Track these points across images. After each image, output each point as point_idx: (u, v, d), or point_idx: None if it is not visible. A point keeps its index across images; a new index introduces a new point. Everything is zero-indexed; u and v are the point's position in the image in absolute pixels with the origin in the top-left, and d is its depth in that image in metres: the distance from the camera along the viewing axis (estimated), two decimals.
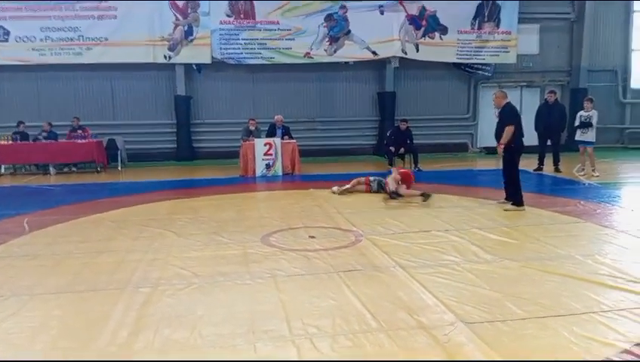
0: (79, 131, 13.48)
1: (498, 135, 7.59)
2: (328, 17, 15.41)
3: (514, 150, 7.53)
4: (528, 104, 16.66)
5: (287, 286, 4.37)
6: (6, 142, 12.64)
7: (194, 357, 3.15)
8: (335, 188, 8.96)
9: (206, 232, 6.35)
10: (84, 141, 13.05)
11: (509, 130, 7.35)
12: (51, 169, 12.94)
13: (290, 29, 15.27)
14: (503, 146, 7.46)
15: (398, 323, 3.57)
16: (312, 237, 6.03)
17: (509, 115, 7.50)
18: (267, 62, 15.36)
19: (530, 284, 4.33)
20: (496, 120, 7.91)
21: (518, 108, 16.79)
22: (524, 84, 17.36)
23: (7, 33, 14.23)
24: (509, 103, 7.69)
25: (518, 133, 7.50)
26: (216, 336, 3.42)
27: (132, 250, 5.58)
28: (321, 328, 3.50)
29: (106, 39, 14.62)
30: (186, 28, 15.00)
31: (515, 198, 7.56)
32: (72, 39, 14.49)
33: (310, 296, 4.15)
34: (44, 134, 13.31)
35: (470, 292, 4.12)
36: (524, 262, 4.89)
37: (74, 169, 13.44)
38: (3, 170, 12.90)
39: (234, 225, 6.75)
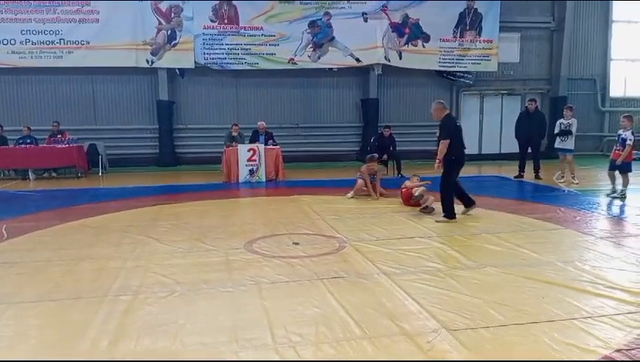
0: (59, 136, 13.30)
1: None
2: (312, 24, 15.48)
3: (454, 162, 7.18)
4: (509, 112, 16.93)
5: (271, 294, 4.34)
6: None
7: None
8: (350, 194, 9.15)
9: (189, 239, 6.30)
10: (64, 146, 12.86)
11: (442, 145, 7.02)
12: (31, 174, 12.73)
13: (274, 35, 15.31)
14: (439, 161, 7.07)
15: (382, 330, 3.58)
16: (296, 243, 6.01)
17: (443, 129, 7.18)
18: (251, 68, 15.38)
19: (512, 291, 4.37)
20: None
21: (499, 115, 17.46)
22: (505, 92, 17.62)
23: None
24: (448, 115, 7.37)
25: (456, 145, 7.12)
26: (198, 345, 3.38)
27: (113, 257, 5.51)
28: (304, 336, 3.49)
29: (88, 43, 14.51)
30: (169, 32, 14.95)
31: (447, 211, 7.20)
32: (52, 42, 14.36)
33: (294, 303, 4.13)
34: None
35: (452, 299, 4.15)
36: (505, 269, 4.94)
37: (54, 174, 13.26)
38: None
39: (217, 231, 6.70)
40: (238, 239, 6.24)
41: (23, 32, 14.19)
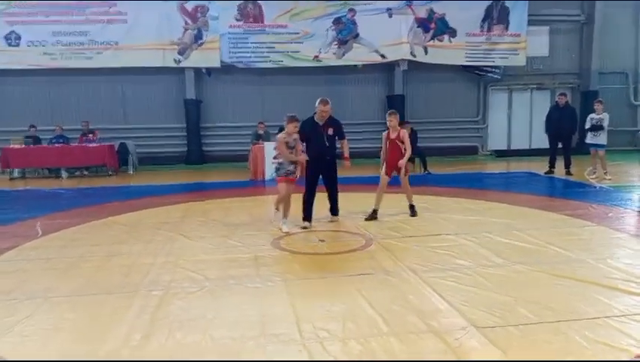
0: (90, 135, 13.60)
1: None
2: (337, 21, 15.47)
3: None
4: (538, 106, 16.64)
5: (298, 290, 4.37)
6: (19, 146, 12.77)
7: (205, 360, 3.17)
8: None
9: (217, 235, 6.38)
10: (95, 145, 13.16)
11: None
12: (63, 173, 13.05)
13: (298, 33, 15.35)
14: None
15: (409, 327, 3.57)
16: (322, 240, 6.03)
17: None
18: (276, 66, 15.45)
19: (542, 288, 4.30)
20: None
21: (528, 110, 17.18)
22: (534, 86, 17.32)
23: (19, 38, 14.44)
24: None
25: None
26: (227, 340, 3.43)
27: (144, 254, 5.61)
28: (331, 332, 3.50)
29: (117, 43, 14.78)
30: (195, 32, 15.12)
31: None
32: (82, 43, 14.69)
33: (320, 299, 4.16)
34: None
35: (481, 297, 4.11)
36: (535, 266, 4.86)
37: (86, 173, 13.57)
38: (16, 174, 13.03)
39: (244, 228, 6.77)
40: (266, 236, 6.30)
41: (54, 34, 14.55)
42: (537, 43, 16.70)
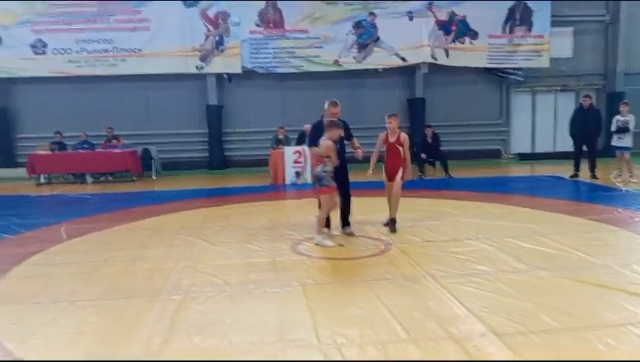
0: (114, 141, 13.84)
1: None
2: (357, 25, 15.48)
3: None
4: (563, 109, 16.38)
5: (316, 295, 4.38)
6: (44, 153, 13.06)
7: None
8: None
9: (237, 240, 6.43)
10: (119, 151, 13.38)
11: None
12: (88, 178, 13.30)
13: (318, 37, 15.40)
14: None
15: (428, 333, 3.55)
16: (341, 245, 6.03)
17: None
18: (296, 71, 15.51)
19: (564, 295, 4.23)
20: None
21: (552, 112, 16.89)
22: (559, 88, 17.05)
23: (45, 45, 14.78)
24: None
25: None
26: (245, 344, 3.46)
27: (165, 258, 5.69)
28: (349, 337, 3.50)
29: (140, 50, 15.02)
30: (217, 38, 15.28)
31: None
32: (106, 51, 14.95)
33: (339, 304, 4.16)
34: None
35: (501, 303, 4.06)
36: (558, 272, 4.78)
37: (110, 178, 13.80)
38: (42, 180, 13.32)
39: (264, 233, 6.81)
40: (285, 240, 6.32)
41: (78, 42, 14.84)
42: (561, 44, 16.41)
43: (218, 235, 6.75)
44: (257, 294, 4.45)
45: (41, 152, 13.11)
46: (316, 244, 6.03)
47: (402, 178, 6.68)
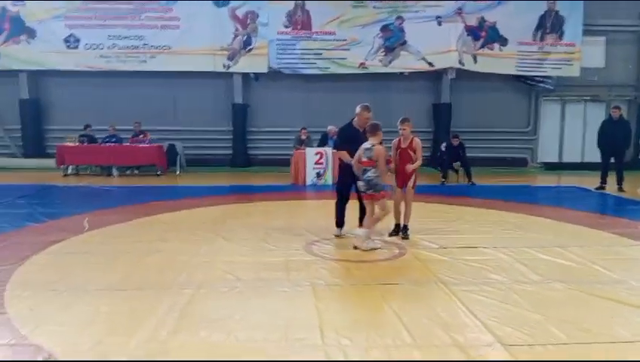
0: (141, 136, 14.08)
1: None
2: (384, 28, 15.43)
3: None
4: (593, 119, 16.02)
5: (325, 296, 4.39)
6: (73, 144, 13.37)
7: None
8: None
9: (253, 238, 6.48)
10: (145, 145, 13.61)
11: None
12: (114, 171, 13.55)
13: (345, 40, 15.40)
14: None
15: (433, 339, 3.52)
16: (356, 248, 6.02)
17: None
18: (322, 72, 15.53)
19: (578, 308, 4.15)
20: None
21: (581, 122, 16.55)
22: (589, 98, 16.70)
23: (78, 41, 15.14)
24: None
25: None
26: (250, 341, 3.49)
27: (181, 252, 5.77)
28: (354, 340, 3.50)
29: (169, 48, 15.25)
30: (245, 38, 15.41)
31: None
32: (137, 47, 15.22)
33: (347, 307, 4.17)
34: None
35: (512, 313, 4.00)
36: (573, 285, 4.69)
37: (136, 171, 14.04)
38: (70, 171, 13.63)
39: (280, 232, 6.85)
40: (300, 240, 6.34)
41: (110, 38, 15.16)
42: (593, 53, 16.05)
43: (235, 232, 6.81)
44: (267, 292, 4.48)
45: (69, 144, 13.42)
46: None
47: (414, 186, 6.64)
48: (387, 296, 4.35)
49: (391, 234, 6.71)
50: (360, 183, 6.07)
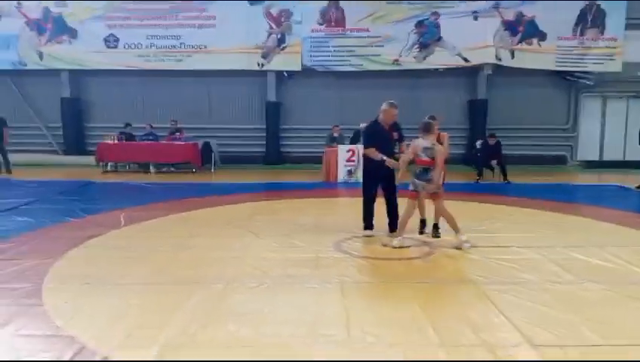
0: (177, 134, 14.37)
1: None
2: (419, 24, 15.29)
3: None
4: (636, 116, 15.52)
5: (353, 293, 4.39)
6: (112, 142, 13.75)
7: (253, 355, 3.27)
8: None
9: (282, 234, 6.52)
10: (181, 143, 13.89)
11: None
12: (152, 168, 13.87)
13: (379, 36, 15.34)
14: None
15: (460, 338, 3.48)
16: (385, 245, 5.99)
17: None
18: (355, 69, 15.50)
19: (612, 309, 4.03)
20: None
21: (623, 119, 15.99)
22: (632, 94, 16.15)
23: (117, 40, 15.56)
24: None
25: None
26: (276, 336, 3.52)
27: (212, 248, 5.87)
28: (379, 337, 3.49)
29: (205, 47, 15.51)
30: (279, 36, 15.52)
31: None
32: (174, 46, 15.54)
33: (374, 304, 4.16)
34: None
35: (542, 314, 3.92)
36: (607, 285, 4.55)
37: (172, 169, 14.34)
38: (109, 167, 14.03)
39: (310, 229, 6.88)
40: (330, 237, 6.35)
41: (148, 37, 15.54)
42: (636, 48, 15.46)
43: (266, 228, 6.88)
44: (295, 288, 4.51)
45: (108, 141, 13.80)
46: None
47: (443, 182, 6.42)
48: (415, 294, 4.32)
49: (421, 232, 6.64)
50: (419, 182, 5.91)
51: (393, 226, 6.49)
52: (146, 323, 3.76)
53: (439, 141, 6.39)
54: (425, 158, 5.85)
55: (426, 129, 5.97)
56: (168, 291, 4.44)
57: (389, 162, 6.26)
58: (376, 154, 6.32)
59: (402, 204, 6.35)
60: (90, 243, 6.01)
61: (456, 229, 5.96)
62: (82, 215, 7.72)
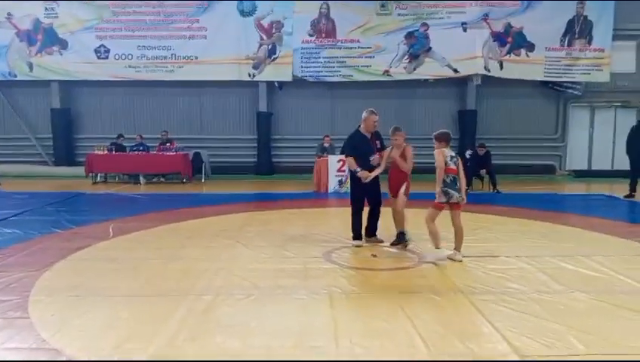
0: (168, 144, 14.32)
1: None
2: (409, 35, 15.41)
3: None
4: (623, 126, 15.55)
5: (342, 304, 4.39)
6: (101, 152, 13.68)
7: None
8: None
9: (272, 245, 6.51)
10: (172, 153, 13.84)
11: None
12: (141, 178, 13.81)
13: (370, 47, 15.43)
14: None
15: (448, 349, 3.48)
16: (374, 256, 6.00)
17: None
18: (346, 80, 15.57)
19: (600, 319, 4.05)
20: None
21: (611, 129, 16.15)
22: (619, 104, 16.33)
23: (108, 51, 15.54)
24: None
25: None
26: (264, 348, 3.50)
27: (201, 259, 5.84)
28: (368, 349, 3.48)
29: (196, 58, 15.52)
30: (270, 47, 15.57)
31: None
32: (165, 57, 15.52)
33: (363, 315, 4.15)
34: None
35: (531, 324, 3.92)
36: (596, 295, 4.58)
37: (162, 179, 14.27)
38: (99, 178, 13.94)
39: (300, 239, 6.88)
40: (319, 248, 6.35)
41: (139, 48, 15.51)
42: (623, 59, 15.67)
43: (255, 239, 6.86)
44: (284, 300, 4.49)
45: (98, 152, 13.72)
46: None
47: (406, 193, 6.43)
48: (404, 305, 4.32)
49: (394, 244, 6.50)
50: (455, 194, 5.82)
51: (374, 229, 6.61)
52: (135, 335, 3.73)
53: (404, 154, 6.38)
54: (454, 167, 5.84)
55: (449, 139, 5.97)
56: (157, 303, 4.42)
57: (362, 173, 6.30)
58: (353, 165, 6.35)
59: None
60: (78, 255, 5.97)
61: (436, 244, 5.93)
62: (71, 226, 7.66)
